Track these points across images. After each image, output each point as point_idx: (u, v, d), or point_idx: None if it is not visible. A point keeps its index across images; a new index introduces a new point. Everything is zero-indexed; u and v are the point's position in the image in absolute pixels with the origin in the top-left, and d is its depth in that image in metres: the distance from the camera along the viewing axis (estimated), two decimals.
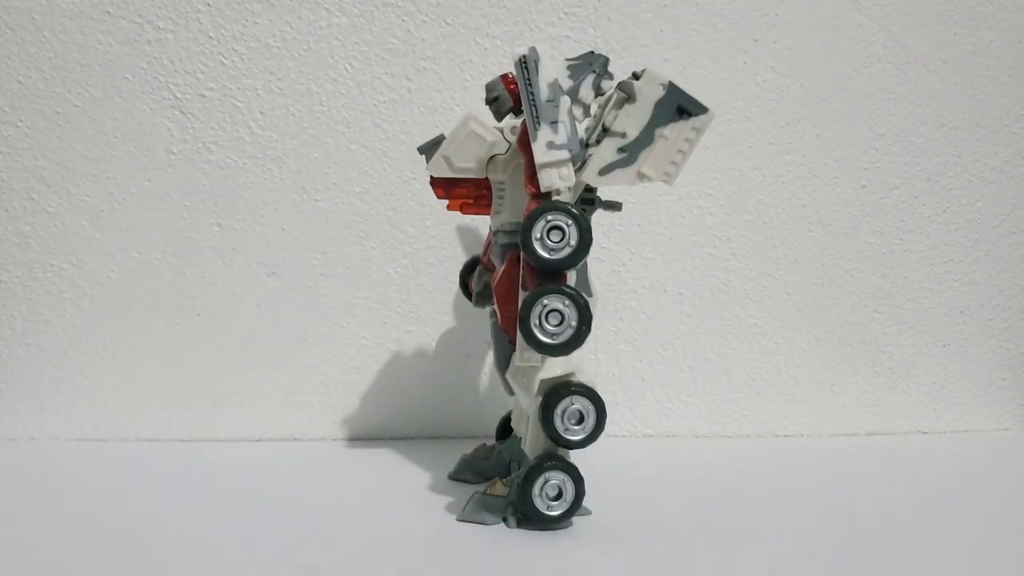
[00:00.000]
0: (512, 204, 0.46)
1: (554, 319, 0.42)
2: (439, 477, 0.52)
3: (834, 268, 0.63)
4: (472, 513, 0.45)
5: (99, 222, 0.59)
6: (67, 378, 0.60)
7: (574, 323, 0.42)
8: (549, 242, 0.42)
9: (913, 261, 0.64)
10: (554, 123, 0.42)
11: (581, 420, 0.43)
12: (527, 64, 0.42)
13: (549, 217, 0.42)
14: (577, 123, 0.43)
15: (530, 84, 0.42)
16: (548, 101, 0.42)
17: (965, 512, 0.48)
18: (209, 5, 0.58)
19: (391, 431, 0.61)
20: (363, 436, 0.62)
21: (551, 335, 0.42)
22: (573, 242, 0.42)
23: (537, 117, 0.42)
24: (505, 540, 0.43)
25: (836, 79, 0.62)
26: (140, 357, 0.60)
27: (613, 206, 0.49)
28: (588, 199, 0.46)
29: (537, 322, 0.42)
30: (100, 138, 0.58)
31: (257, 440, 0.61)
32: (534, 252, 0.42)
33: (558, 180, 0.42)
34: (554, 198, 0.42)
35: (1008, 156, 0.64)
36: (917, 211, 0.64)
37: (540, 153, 0.42)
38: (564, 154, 0.42)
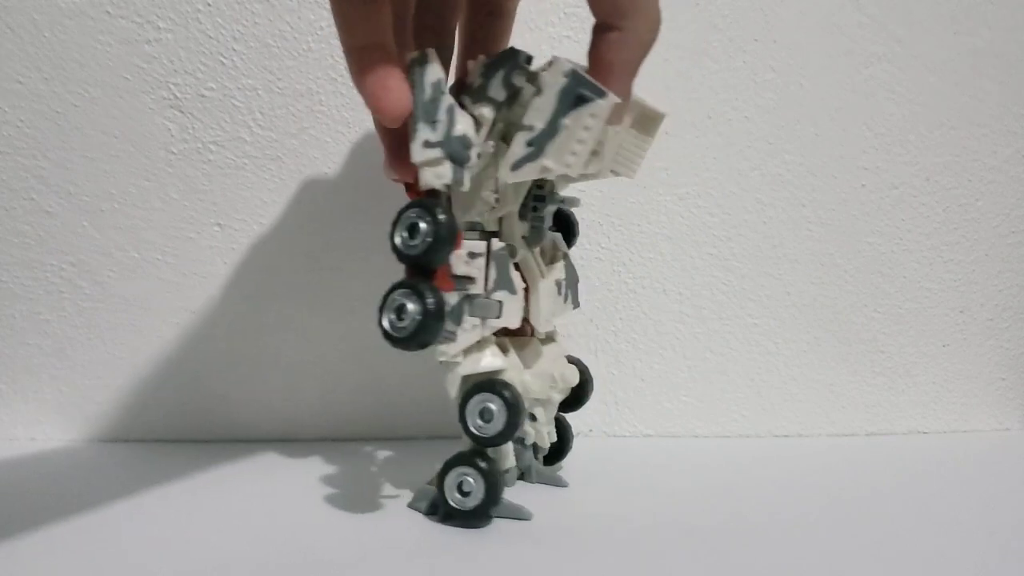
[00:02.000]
0: (456, 202, 0.46)
1: (401, 312, 0.43)
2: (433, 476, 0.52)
3: (834, 268, 0.63)
4: (415, 500, 0.47)
5: (99, 222, 0.59)
6: (67, 378, 0.60)
7: (418, 316, 0.42)
8: (408, 237, 0.43)
9: (913, 261, 0.64)
10: (434, 122, 0.42)
11: (492, 417, 0.44)
12: (413, 65, 0.42)
13: (410, 213, 0.42)
14: (464, 121, 0.42)
15: (413, 85, 0.42)
16: (430, 100, 0.42)
17: (965, 512, 0.48)
18: (209, 5, 0.58)
19: (391, 431, 0.61)
20: (363, 436, 0.62)
21: (397, 328, 0.43)
22: (429, 238, 0.42)
23: (417, 116, 0.42)
24: (502, 540, 0.43)
25: (836, 79, 0.62)
26: (140, 357, 0.60)
27: (571, 202, 0.49)
28: (540, 195, 0.47)
29: (389, 316, 0.43)
30: (100, 138, 0.58)
31: (258, 440, 0.61)
32: (395, 247, 0.43)
33: (434, 178, 0.42)
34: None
35: (1008, 156, 0.64)
36: (917, 211, 0.63)
37: (416, 152, 0.42)
38: (438, 152, 0.42)
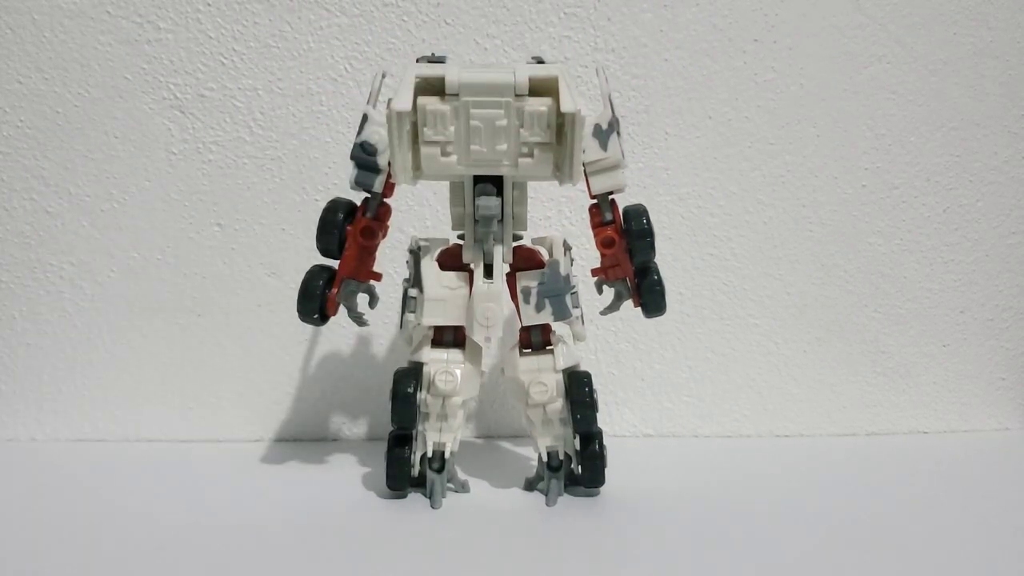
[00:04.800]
0: None
1: None
2: None
3: (834, 268, 0.63)
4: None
5: (99, 222, 0.59)
6: (67, 378, 0.60)
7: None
8: None
9: (913, 261, 0.64)
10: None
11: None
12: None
13: None
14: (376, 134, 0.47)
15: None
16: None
17: (965, 512, 0.48)
18: (209, 5, 0.58)
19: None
20: (363, 436, 0.62)
21: None
22: None
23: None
24: (498, 536, 0.43)
25: (836, 79, 0.62)
26: (140, 357, 0.60)
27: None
28: (485, 194, 0.47)
29: None
30: (100, 138, 0.58)
31: (257, 440, 0.61)
32: None
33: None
34: None
35: (1008, 156, 0.64)
36: (917, 211, 0.63)
37: None
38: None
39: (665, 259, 0.62)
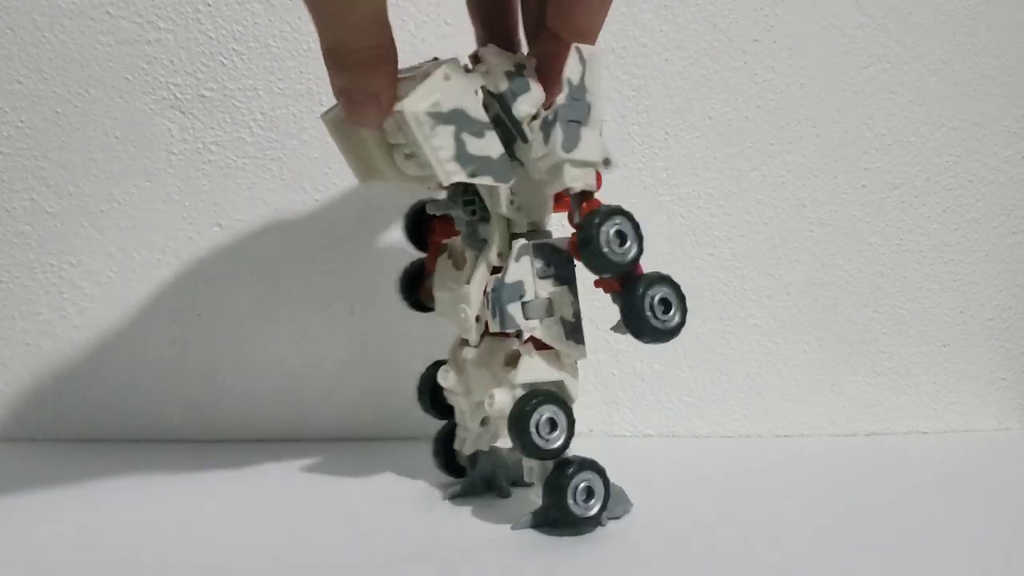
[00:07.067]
0: None
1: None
2: (438, 478, 0.52)
3: (834, 268, 0.63)
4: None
5: (99, 222, 0.59)
6: (67, 378, 0.60)
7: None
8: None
9: (913, 261, 0.64)
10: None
11: None
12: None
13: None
14: None
15: None
16: None
17: (966, 512, 0.48)
18: (209, 5, 0.58)
19: (393, 431, 0.61)
20: (364, 436, 0.62)
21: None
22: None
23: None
24: (498, 536, 0.43)
25: (836, 79, 0.62)
26: (140, 357, 0.60)
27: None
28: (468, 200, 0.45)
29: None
30: (100, 138, 0.58)
31: (257, 440, 0.61)
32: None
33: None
34: None
35: (1008, 156, 0.64)
36: (917, 211, 0.63)
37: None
38: None
39: (665, 259, 0.62)
